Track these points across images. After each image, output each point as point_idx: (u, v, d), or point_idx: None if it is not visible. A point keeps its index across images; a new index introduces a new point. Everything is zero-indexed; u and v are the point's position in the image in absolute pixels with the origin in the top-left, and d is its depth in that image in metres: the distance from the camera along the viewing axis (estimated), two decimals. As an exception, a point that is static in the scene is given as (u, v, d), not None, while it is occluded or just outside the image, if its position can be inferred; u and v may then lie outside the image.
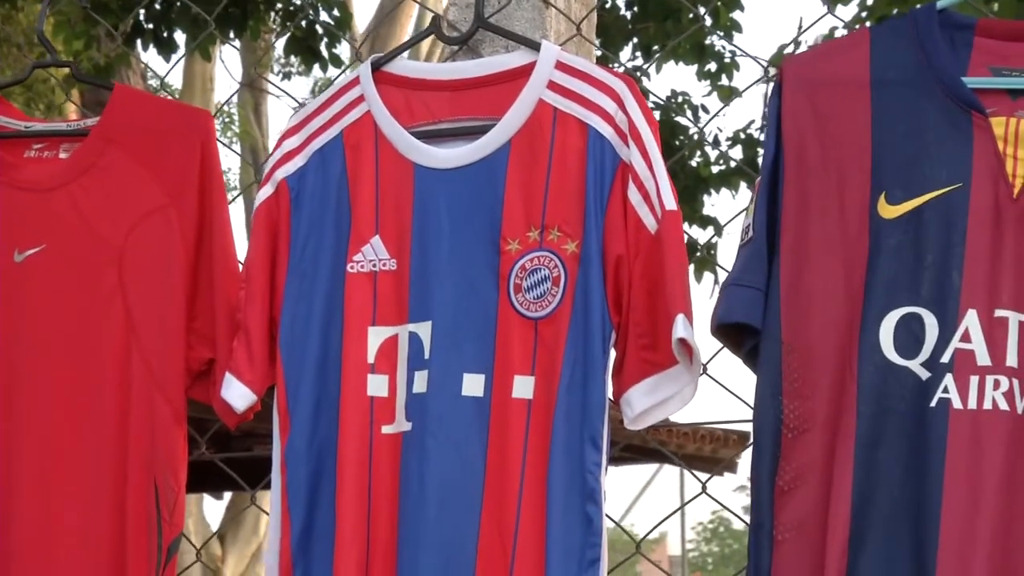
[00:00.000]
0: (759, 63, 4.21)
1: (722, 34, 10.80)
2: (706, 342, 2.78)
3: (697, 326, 2.74)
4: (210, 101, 16.48)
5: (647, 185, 2.75)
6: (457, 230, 2.85)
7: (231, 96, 22.04)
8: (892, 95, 2.71)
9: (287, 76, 16.59)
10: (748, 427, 2.86)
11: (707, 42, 11.02)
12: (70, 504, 2.94)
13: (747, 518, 2.81)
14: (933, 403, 2.58)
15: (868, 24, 8.74)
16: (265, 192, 2.97)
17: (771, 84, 2.91)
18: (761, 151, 3.11)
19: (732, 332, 2.78)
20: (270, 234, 2.93)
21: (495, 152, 2.85)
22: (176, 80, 16.35)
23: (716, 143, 11.23)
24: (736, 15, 11.02)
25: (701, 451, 6.03)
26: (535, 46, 2.87)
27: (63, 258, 3.01)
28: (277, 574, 2.85)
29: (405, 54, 3.07)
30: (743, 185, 10.01)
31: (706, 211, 11.08)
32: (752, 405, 2.77)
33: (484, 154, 2.85)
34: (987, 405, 2.57)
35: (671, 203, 2.75)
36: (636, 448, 6.04)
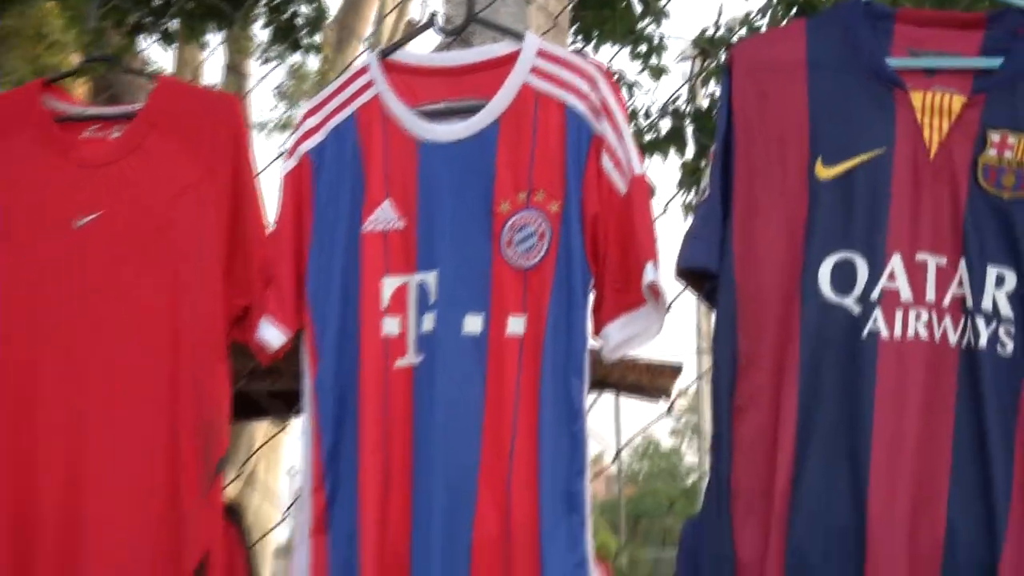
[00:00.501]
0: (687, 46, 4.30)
1: (652, 19, 10.91)
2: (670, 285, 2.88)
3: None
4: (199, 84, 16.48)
5: (618, 153, 2.84)
6: (456, 194, 2.92)
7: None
8: (825, 76, 2.79)
9: (267, 61, 16.58)
10: (680, 359, 2.94)
11: (639, 27, 11.13)
12: (133, 432, 2.96)
13: (672, 440, 2.88)
14: (864, 334, 2.67)
15: (779, 9, 8.86)
16: (290, 164, 3.04)
17: (705, 64, 2.97)
18: (688, 123, 3.16)
19: (693, 276, 2.87)
20: (295, 199, 3.00)
21: (487, 128, 2.93)
22: (168, 66, 16.25)
23: (648, 115, 11.41)
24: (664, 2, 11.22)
25: (639, 380, 6.07)
26: (519, 37, 2.96)
27: (116, 224, 3.03)
28: (311, 484, 2.92)
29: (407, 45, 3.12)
30: (671, 151, 10.17)
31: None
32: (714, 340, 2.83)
33: (477, 129, 2.93)
34: (910, 335, 2.66)
35: (638, 168, 2.85)
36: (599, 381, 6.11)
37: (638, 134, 10.56)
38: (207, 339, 2.99)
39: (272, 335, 2.96)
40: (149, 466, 2.97)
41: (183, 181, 3.03)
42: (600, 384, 7.16)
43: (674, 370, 6.88)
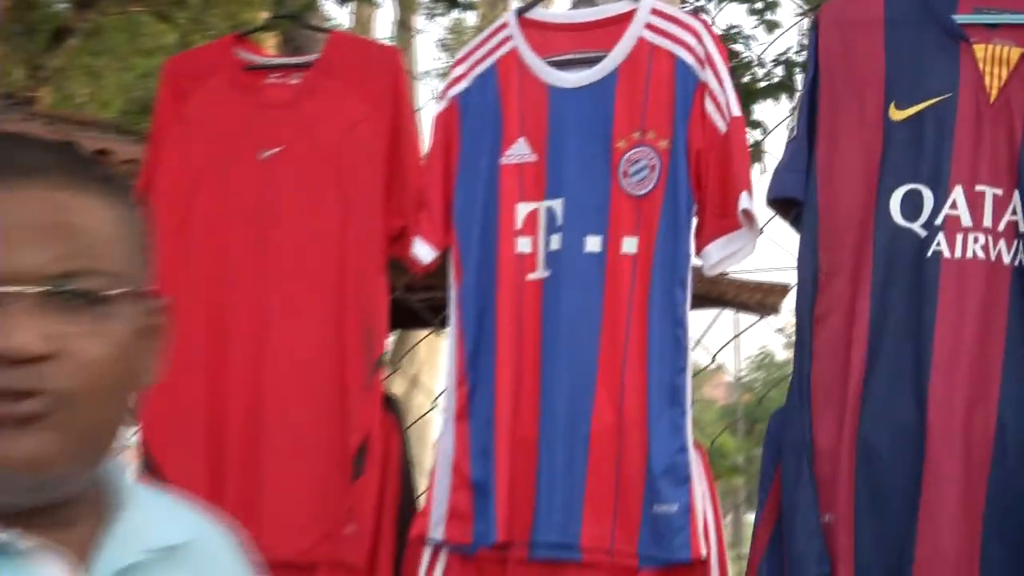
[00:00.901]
0: (796, 3, 4.30)
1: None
2: (763, 211, 2.98)
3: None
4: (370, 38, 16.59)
5: (719, 98, 2.93)
6: (580, 132, 3.02)
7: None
8: (899, 30, 2.83)
9: (431, 17, 16.71)
10: (789, 278, 3.03)
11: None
12: (306, 335, 3.10)
13: (786, 353, 2.99)
14: (929, 254, 2.74)
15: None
16: (441, 106, 3.17)
17: (807, 19, 3.01)
18: (797, 72, 3.21)
19: (782, 204, 2.96)
20: (445, 136, 3.13)
21: (607, 76, 3.03)
22: (344, 22, 16.35)
23: (762, 64, 11.48)
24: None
25: (752, 299, 6.09)
26: (636, -3, 3.07)
27: (294, 156, 3.15)
28: (455, 379, 3.06)
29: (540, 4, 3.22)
30: (783, 96, 10.20)
31: (755, 117, 11.42)
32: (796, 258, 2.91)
33: (599, 77, 3.03)
34: (969, 255, 2.73)
35: (736, 111, 2.95)
36: (702, 298, 6.16)
37: (753, 81, 10.61)
38: (369, 255, 3.11)
39: (423, 252, 3.08)
40: (319, 364, 3.10)
41: (352, 119, 3.14)
42: (717, 302, 7.24)
43: (783, 289, 6.91)
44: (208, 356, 3.17)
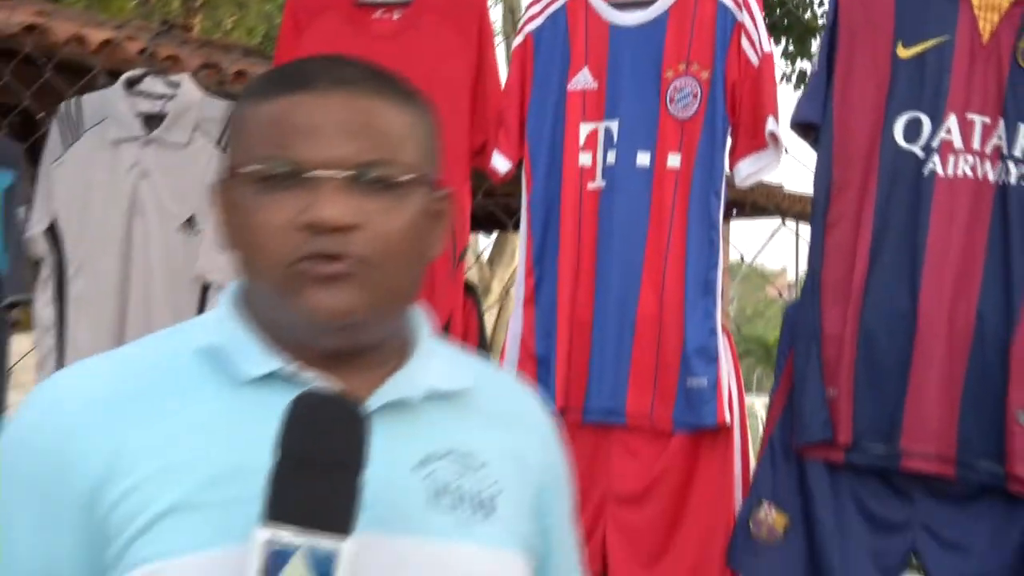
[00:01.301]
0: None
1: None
2: (787, 133, 3.11)
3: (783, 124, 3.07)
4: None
5: (753, 36, 3.07)
6: (635, 63, 3.16)
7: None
8: None
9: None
10: None
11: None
12: None
13: None
14: (925, 172, 2.87)
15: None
16: (518, 40, 3.32)
17: None
18: None
19: (803, 127, 3.05)
20: (521, 66, 3.28)
21: (659, 16, 3.16)
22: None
23: (822, 3, 11.51)
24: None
25: (805, 210, 6.16)
26: (686, -50, 3.16)
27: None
28: (524, 271, 3.22)
29: None
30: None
31: (814, 50, 11.55)
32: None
33: (652, 17, 3.17)
34: (959, 173, 2.85)
35: (768, 47, 3.08)
36: (759, 207, 6.19)
37: (812, 19, 10.74)
38: (455, 165, 3.24)
39: (501, 163, 3.27)
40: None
41: (444, 50, 3.30)
42: (774, 211, 7.28)
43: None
44: None
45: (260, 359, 1.40)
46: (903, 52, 2.94)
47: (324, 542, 1.17)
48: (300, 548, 1.16)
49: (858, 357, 2.88)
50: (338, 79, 1.36)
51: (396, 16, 3.42)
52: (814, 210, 3.00)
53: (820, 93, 3.00)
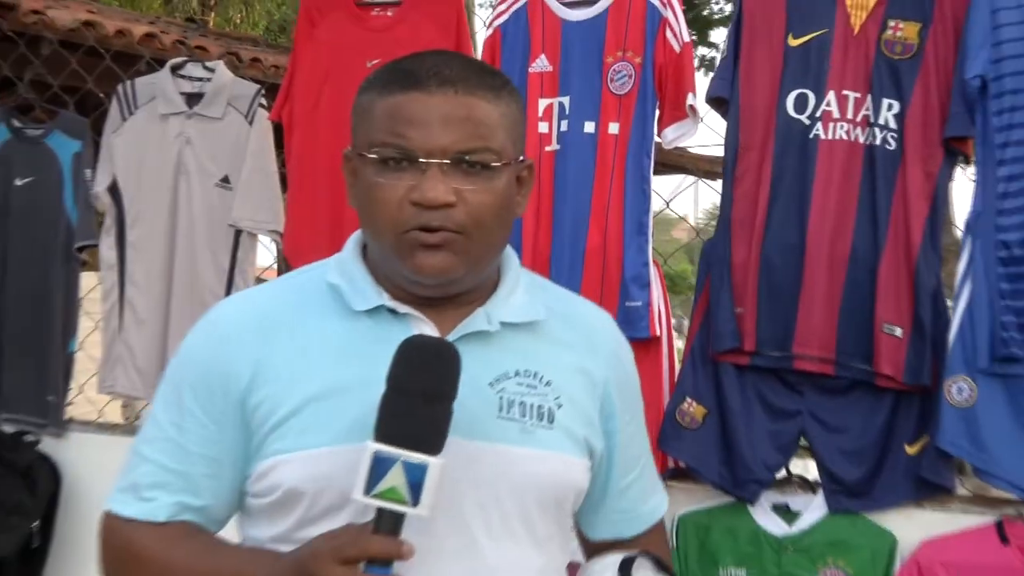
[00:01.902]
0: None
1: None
2: (703, 106, 3.21)
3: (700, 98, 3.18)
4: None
5: (675, 29, 3.18)
6: (583, 51, 3.24)
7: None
8: None
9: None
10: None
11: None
12: None
13: None
14: (811, 136, 2.98)
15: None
16: (488, 32, 3.39)
17: None
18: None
19: (715, 101, 3.14)
20: (491, 52, 3.33)
21: (600, 13, 3.24)
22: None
23: (718, 1, 11.59)
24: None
25: (705, 167, 6.15)
26: (622, -42, 3.23)
27: None
28: None
29: None
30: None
31: (712, 40, 11.63)
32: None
33: (595, 14, 3.25)
34: (837, 137, 2.97)
35: (687, 38, 3.20)
36: (672, 165, 6.21)
37: (711, 14, 10.84)
38: None
39: None
40: None
41: (428, 39, 3.34)
42: (681, 169, 7.33)
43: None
44: (330, 197, 3.44)
45: (370, 296, 1.50)
46: (793, 41, 3.04)
47: (418, 457, 1.29)
48: (399, 460, 1.29)
49: (760, 282, 2.99)
50: (444, 79, 1.43)
51: (390, 13, 3.50)
52: (725, 166, 3.10)
53: (728, 73, 3.09)
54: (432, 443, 1.30)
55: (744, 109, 3.08)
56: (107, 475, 3.51)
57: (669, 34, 3.19)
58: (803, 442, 3.07)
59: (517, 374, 1.52)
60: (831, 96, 3.00)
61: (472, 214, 1.43)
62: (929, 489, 2.95)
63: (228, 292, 3.67)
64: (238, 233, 3.69)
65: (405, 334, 1.41)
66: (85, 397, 4.09)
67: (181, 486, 1.50)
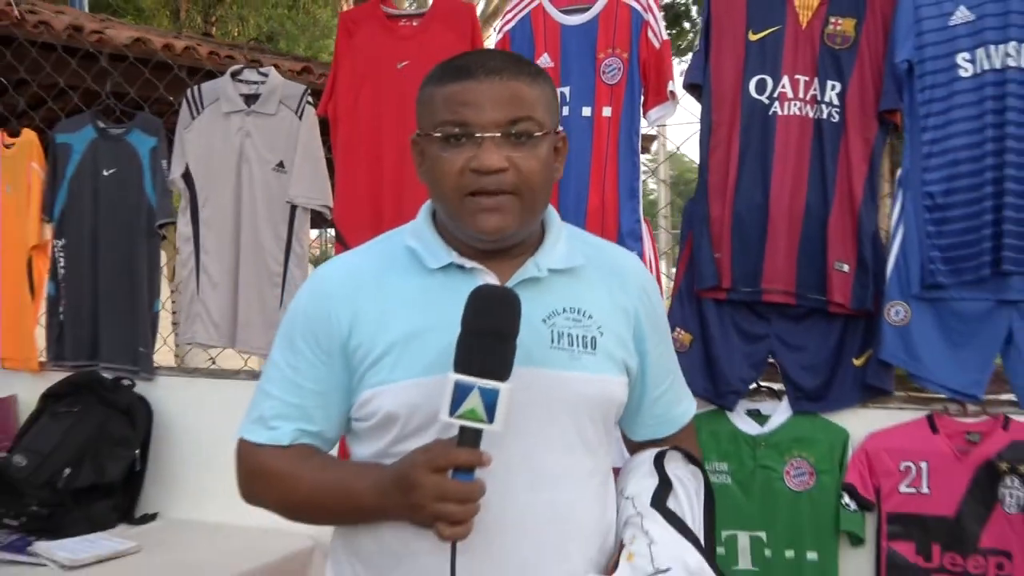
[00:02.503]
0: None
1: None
2: (682, 92, 3.28)
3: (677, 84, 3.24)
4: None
5: (655, 29, 3.24)
6: (579, 49, 3.29)
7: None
8: None
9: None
10: None
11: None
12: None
13: None
14: (770, 113, 3.08)
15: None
16: (497, 37, 3.44)
17: None
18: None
19: (692, 87, 3.21)
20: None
21: (592, 18, 3.29)
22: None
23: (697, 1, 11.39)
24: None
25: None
26: (609, -27, 3.27)
27: (417, 66, 3.41)
28: None
29: None
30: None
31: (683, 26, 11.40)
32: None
33: (588, 19, 3.30)
34: (792, 113, 3.07)
35: (665, 36, 3.26)
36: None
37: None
38: None
39: None
40: None
41: (448, 45, 3.36)
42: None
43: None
44: (369, 177, 3.50)
45: (441, 255, 1.55)
46: (752, 36, 3.12)
47: (491, 383, 1.34)
48: (475, 386, 1.34)
49: (733, 233, 3.08)
50: (490, 69, 1.47)
51: (415, 23, 3.55)
52: (701, 141, 3.17)
53: (701, 63, 3.17)
54: (501, 372, 1.34)
55: (715, 93, 3.15)
56: (189, 409, 3.75)
57: (650, 34, 3.25)
58: (772, 359, 3.16)
59: (564, 311, 1.55)
60: (785, 80, 3.07)
61: (522, 177, 1.46)
62: (872, 392, 3.08)
63: (287, 258, 3.73)
64: (293, 209, 3.73)
65: (472, 285, 1.44)
66: (167, 347, 4.12)
67: (299, 416, 1.56)
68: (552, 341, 1.52)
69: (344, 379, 1.55)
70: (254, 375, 3.84)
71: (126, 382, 3.75)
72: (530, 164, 1.47)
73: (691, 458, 1.73)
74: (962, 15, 2.94)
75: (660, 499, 1.62)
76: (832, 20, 3.06)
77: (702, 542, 1.58)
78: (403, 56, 3.48)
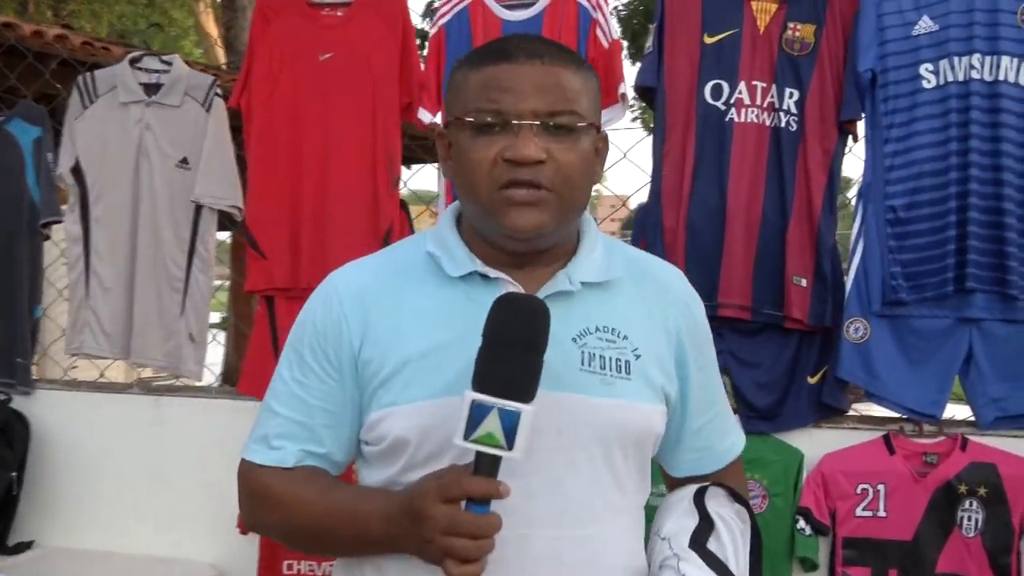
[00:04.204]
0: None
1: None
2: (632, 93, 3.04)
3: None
4: None
5: (604, 28, 2.97)
6: None
7: None
8: None
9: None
10: None
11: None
12: (354, 161, 3.06)
13: None
14: (727, 119, 2.85)
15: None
16: (433, 30, 3.10)
17: None
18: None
19: (643, 90, 2.96)
20: (437, 48, 3.07)
21: (537, 14, 3.02)
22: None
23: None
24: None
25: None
26: (555, -33, 3.01)
27: (340, 58, 3.09)
28: (444, 195, 2.82)
29: None
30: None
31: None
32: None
33: (532, 15, 3.02)
34: (749, 120, 2.84)
35: (615, 35, 3.00)
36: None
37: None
38: (390, 116, 3.09)
39: (426, 116, 3.04)
40: (361, 178, 3.07)
41: (376, 37, 3.09)
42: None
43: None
44: (289, 174, 3.12)
45: (463, 262, 1.35)
46: (708, 39, 2.89)
47: (512, 404, 1.15)
48: (495, 407, 1.15)
49: (687, 243, 2.84)
50: (531, 52, 1.29)
51: (339, 12, 3.17)
52: (654, 144, 2.93)
53: (654, 66, 2.93)
54: (525, 391, 1.17)
55: (669, 96, 2.91)
56: (72, 426, 3.22)
57: (599, 32, 2.98)
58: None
59: (597, 330, 1.37)
60: (742, 86, 2.87)
61: (561, 171, 1.29)
62: (827, 411, 2.88)
63: (190, 262, 3.29)
64: (199, 209, 3.26)
65: (496, 296, 1.26)
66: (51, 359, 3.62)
67: (305, 436, 1.40)
68: (582, 363, 1.34)
69: (355, 397, 1.38)
70: (149, 389, 3.35)
71: (1, 396, 3.24)
72: (570, 158, 1.30)
73: (736, 496, 1.49)
74: (925, 25, 2.77)
75: (700, 540, 1.40)
76: (791, 25, 2.86)
77: None
78: (326, 47, 3.13)
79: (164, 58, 3.34)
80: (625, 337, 1.37)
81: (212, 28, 12.32)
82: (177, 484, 3.22)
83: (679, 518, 1.42)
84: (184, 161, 3.27)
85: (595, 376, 1.34)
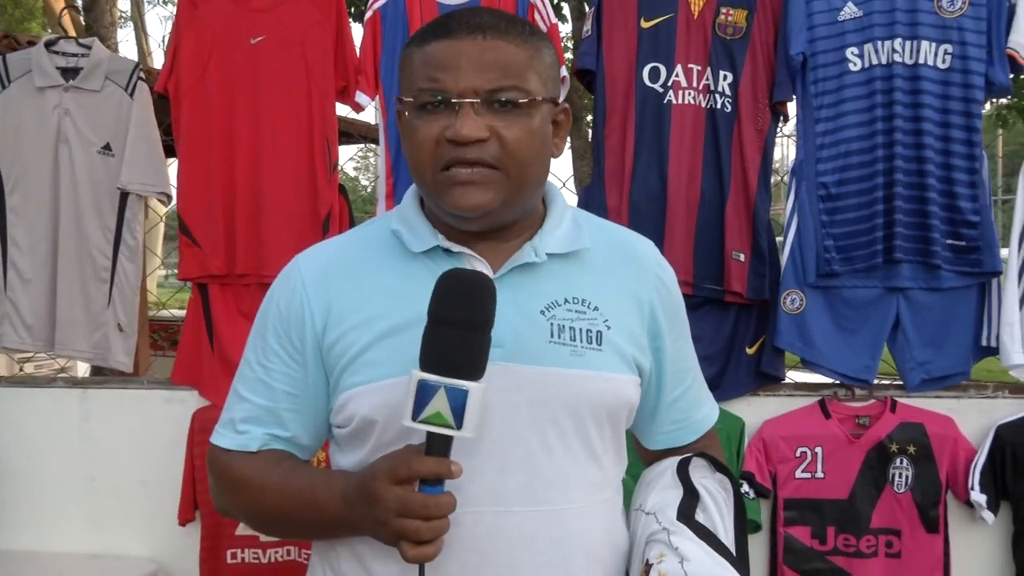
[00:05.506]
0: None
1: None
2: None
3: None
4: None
5: (543, 12, 2.88)
6: None
7: None
8: None
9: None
10: None
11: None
12: (290, 146, 2.91)
13: None
14: (665, 102, 2.81)
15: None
16: (369, 13, 2.95)
17: None
18: None
19: (583, 73, 2.89)
20: (372, 31, 2.93)
21: None
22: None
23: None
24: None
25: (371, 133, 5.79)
26: (490, -49, 2.91)
27: (273, 42, 2.92)
28: (384, 179, 2.90)
29: None
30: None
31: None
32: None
33: None
34: (686, 102, 2.81)
35: (554, 20, 2.90)
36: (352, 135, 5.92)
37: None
38: (326, 101, 2.94)
39: (363, 99, 2.93)
40: (298, 163, 2.92)
41: (309, 20, 2.93)
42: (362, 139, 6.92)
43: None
44: (221, 161, 2.93)
45: (425, 238, 1.29)
46: (645, 24, 2.85)
47: (459, 383, 1.10)
48: (441, 386, 1.10)
49: (630, 222, 2.78)
50: (474, 27, 1.21)
51: None
52: (595, 127, 2.88)
53: (593, 49, 2.87)
54: (471, 369, 1.11)
55: (608, 79, 2.86)
56: None
57: (537, 17, 2.89)
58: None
59: (566, 301, 1.30)
60: (679, 69, 2.83)
61: (506, 148, 1.22)
62: (766, 380, 2.87)
63: (116, 250, 3.05)
64: (124, 196, 3.00)
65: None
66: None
67: (269, 420, 1.34)
68: (552, 335, 1.28)
69: (320, 380, 1.32)
70: (74, 382, 3.08)
71: (-84, 395, 2.86)
72: (516, 134, 1.22)
73: (718, 466, 1.43)
74: (850, 11, 2.79)
75: (688, 512, 1.33)
76: (723, 10, 2.84)
77: (737, 559, 1.29)
78: (257, 31, 2.95)
79: (82, 41, 3.07)
80: (595, 308, 1.31)
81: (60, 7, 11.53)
82: (109, 478, 2.98)
83: (663, 491, 1.37)
84: (107, 147, 3.02)
85: (565, 348, 1.27)
